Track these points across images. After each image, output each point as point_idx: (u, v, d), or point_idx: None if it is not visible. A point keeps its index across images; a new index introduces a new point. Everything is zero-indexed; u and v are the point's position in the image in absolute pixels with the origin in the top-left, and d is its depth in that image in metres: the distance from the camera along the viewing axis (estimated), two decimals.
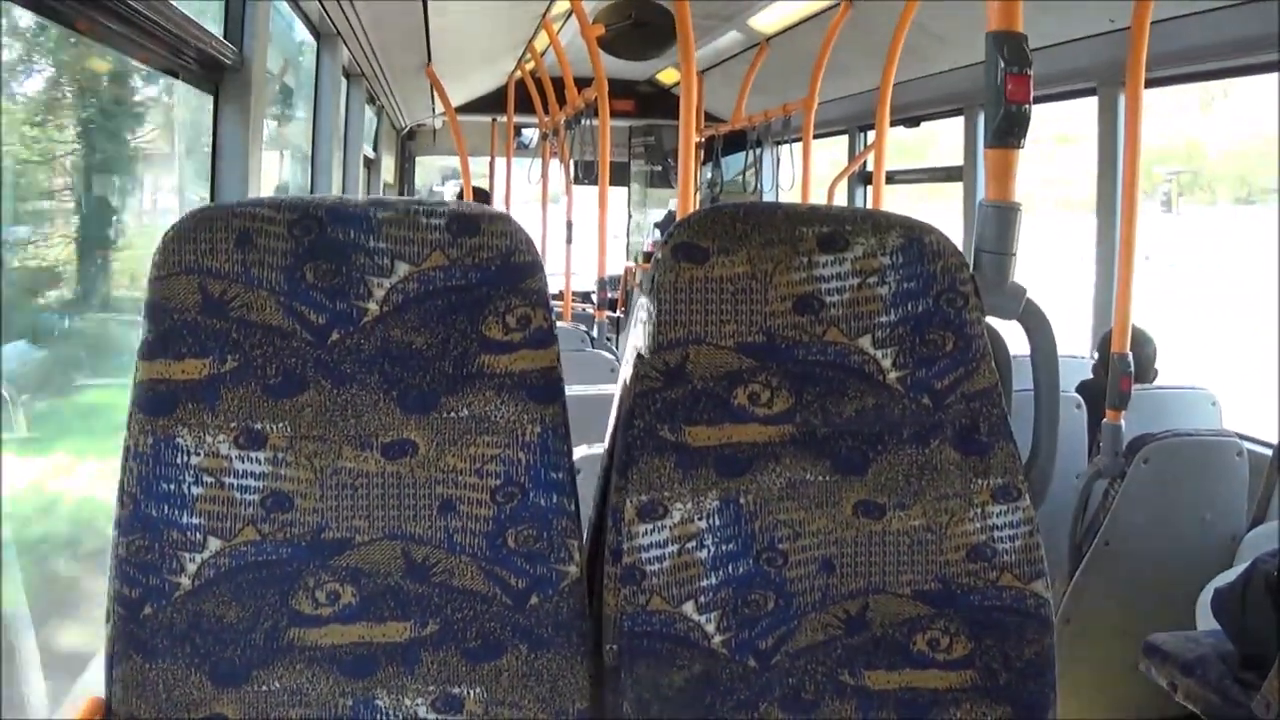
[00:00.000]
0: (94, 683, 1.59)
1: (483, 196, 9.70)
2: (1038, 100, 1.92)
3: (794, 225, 1.62)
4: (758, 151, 8.43)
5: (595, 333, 5.52)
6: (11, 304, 2.34)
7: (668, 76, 9.60)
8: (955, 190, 6.27)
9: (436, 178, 14.03)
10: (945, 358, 1.64)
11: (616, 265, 10.20)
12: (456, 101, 8.27)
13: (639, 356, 1.62)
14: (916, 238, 1.63)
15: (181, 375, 1.54)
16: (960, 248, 1.66)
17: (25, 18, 2.41)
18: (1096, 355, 4.26)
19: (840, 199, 7.33)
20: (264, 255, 1.55)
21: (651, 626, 1.60)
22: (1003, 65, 1.78)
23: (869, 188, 6.56)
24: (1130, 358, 3.48)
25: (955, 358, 1.64)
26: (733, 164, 9.33)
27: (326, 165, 5.54)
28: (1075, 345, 4.80)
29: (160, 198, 3.84)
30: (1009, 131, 1.79)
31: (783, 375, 1.63)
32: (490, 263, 1.58)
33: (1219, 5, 3.95)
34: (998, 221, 1.79)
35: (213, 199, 3.45)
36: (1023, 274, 1.87)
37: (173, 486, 1.54)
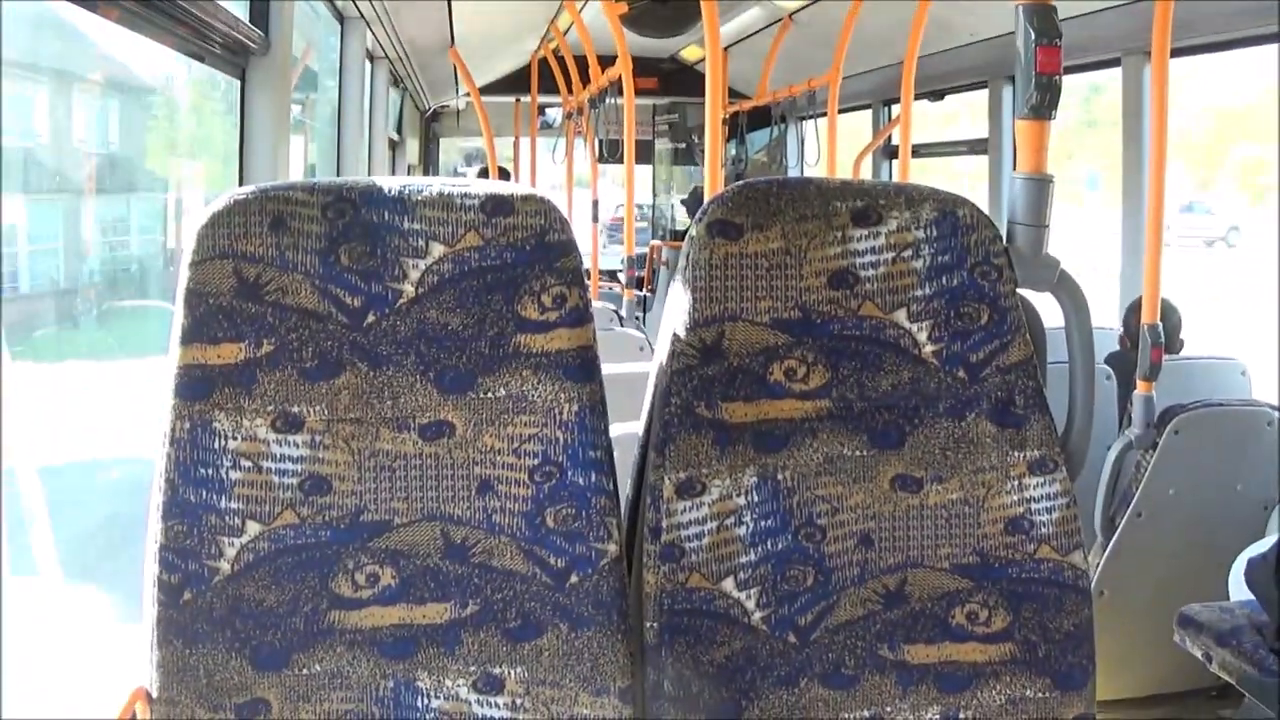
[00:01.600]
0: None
1: (504, 176, 9.70)
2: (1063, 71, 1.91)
3: (827, 200, 1.62)
4: (783, 127, 8.40)
5: (624, 311, 5.49)
6: None
7: (691, 53, 9.55)
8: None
9: (459, 159, 14.04)
10: (980, 331, 1.64)
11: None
12: (480, 82, 8.25)
13: (675, 334, 1.62)
14: (950, 211, 1.63)
15: (217, 360, 1.55)
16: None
17: None
18: (1123, 327, 4.25)
19: (865, 174, 7.29)
20: (298, 238, 1.55)
21: (691, 604, 1.61)
22: (1033, 37, 1.77)
23: (894, 162, 6.54)
24: (1160, 328, 3.46)
25: (990, 331, 1.64)
26: (757, 140, 9.31)
27: (352, 148, 5.55)
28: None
29: None
30: (1040, 103, 1.78)
31: (818, 350, 1.62)
32: (525, 242, 1.58)
33: None
34: (1030, 194, 1.78)
35: (241, 184, 3.45)
36: None
37: (210, 471, 1.55)
